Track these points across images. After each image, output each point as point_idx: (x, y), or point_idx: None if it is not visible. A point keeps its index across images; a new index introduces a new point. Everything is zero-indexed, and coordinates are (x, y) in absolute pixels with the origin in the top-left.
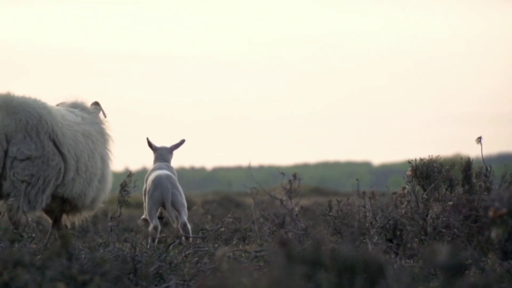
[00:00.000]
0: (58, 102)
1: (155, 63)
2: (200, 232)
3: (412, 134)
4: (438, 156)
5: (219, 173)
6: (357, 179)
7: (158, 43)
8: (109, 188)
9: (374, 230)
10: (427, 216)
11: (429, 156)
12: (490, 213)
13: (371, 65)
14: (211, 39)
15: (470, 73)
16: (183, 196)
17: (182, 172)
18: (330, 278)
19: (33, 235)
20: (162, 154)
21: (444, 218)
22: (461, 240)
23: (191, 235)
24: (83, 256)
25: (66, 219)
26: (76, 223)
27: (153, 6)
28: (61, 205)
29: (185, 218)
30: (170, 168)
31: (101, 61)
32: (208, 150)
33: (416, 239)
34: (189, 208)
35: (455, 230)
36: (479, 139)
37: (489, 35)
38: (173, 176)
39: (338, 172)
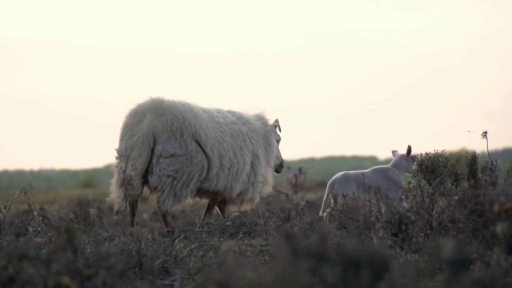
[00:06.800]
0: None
1: (155, 61)
2: (206, 226)
3: (418, 129)
4: (444, 150)
5: None
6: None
7: (158, 41)
8: (262, 184)
9: (380, 224)
10: (432, 210)
11: (434, 150)
12: (496, 208)
13: (375, 59)
14: (211, 37)
15: (475, 68)
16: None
17: None
18: (335, 272)
19: (39, 228)
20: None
21: (449, 213)
22: (466, 235)
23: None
24: (88, 250)
25: (226, 208)
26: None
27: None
28: (213, 197)
29: None
30: (374, 171)
31: (102, 59)
32: None
33: (421, 234)
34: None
35: (461, 225)
36: (484, 134)
37: (502, 32)
38: (347, 178)
39: (344, 167)
